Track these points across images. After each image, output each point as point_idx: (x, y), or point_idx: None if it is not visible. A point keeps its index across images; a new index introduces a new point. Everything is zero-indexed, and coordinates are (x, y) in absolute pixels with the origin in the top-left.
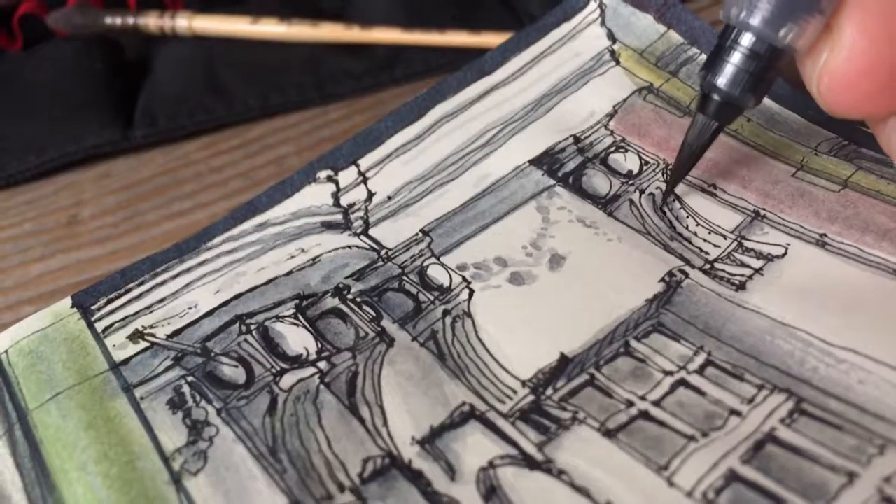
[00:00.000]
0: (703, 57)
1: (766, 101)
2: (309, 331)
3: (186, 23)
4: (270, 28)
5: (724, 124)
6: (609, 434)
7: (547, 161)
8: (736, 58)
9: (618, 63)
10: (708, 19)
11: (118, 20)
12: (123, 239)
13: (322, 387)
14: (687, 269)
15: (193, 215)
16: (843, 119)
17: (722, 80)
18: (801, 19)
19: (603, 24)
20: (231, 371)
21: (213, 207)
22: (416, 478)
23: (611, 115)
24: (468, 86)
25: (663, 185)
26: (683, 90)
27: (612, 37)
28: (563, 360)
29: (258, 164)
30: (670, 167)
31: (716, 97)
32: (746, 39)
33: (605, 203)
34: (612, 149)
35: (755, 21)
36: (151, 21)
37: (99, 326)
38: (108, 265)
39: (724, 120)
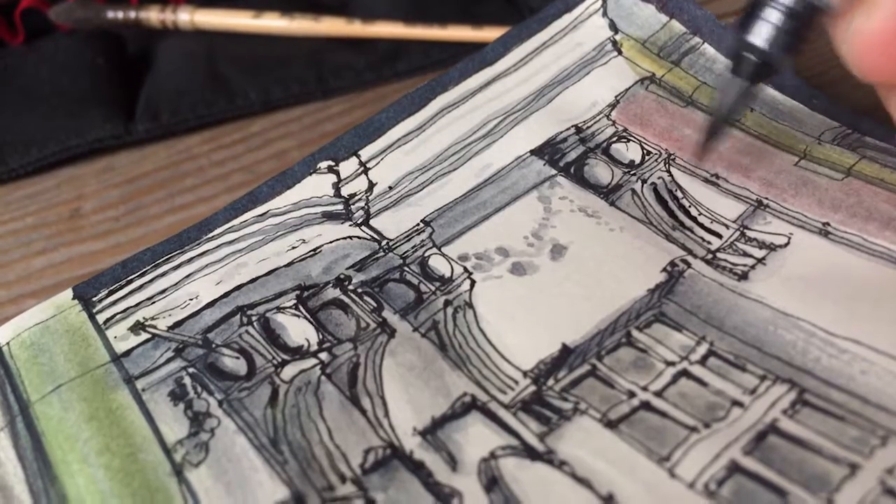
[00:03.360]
0: (706, 46)
1: (770, 90)
2: (310, 322)
3: (188, 17)
4: (272, 22)
5: (758, 83)
6: (611, 425)
7: (549, 151)
8: (772, 16)
9: (620, 53)
10: (710, 9)
11: (120, 14)
12: (125, 232)
13: (323, 378)
14: (689, 258)
15: (195, 209)
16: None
17: (758, 39)
18: None
19: (605, 14)
20: (232, 362)
21: (215, 201)
22: (418, 468)
23: (613, 106)
24: (470, 76)
25: (665, 176)
26: (686, 80)
27: (613, 27)
28: (565, 351)
29: (260, 158)
30: (672, 161)
31: (751, 57)
32: None
33: (607, 193)
34: (614, 139)
35: None
36: (153, 15)
37: (100, 318)
38: (110, 259)
39: (758, 81)
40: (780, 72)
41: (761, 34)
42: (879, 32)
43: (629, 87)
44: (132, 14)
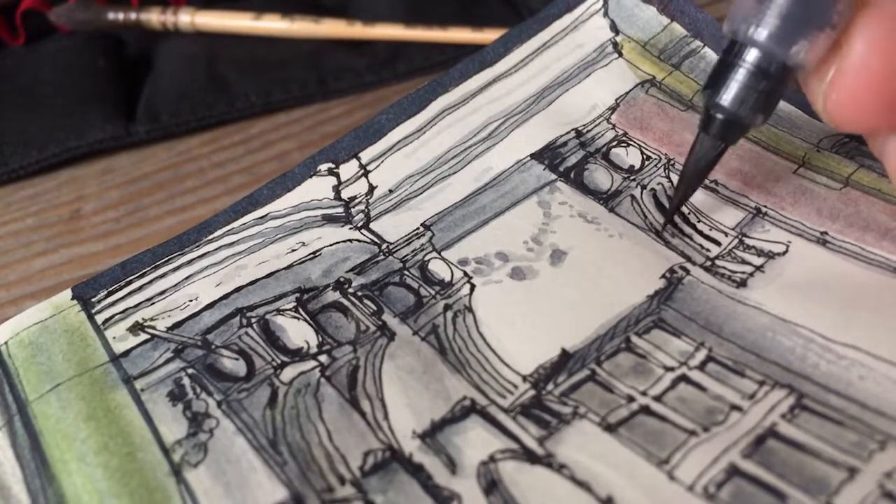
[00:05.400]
0: (707, 50)
1: None
2: (310, 324)
3: (189, 18)
4: (272, 24)
5: (729, 144)
6: (610, 428)
7: (548, 155)
8: (741, 75)
9: (620, 55)
10: (711, 12)
11: (120, 16)
12: (125, 234)
13: (323, 380)
14: (688, 265)
15: (195, 210)
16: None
17: (727, 99)
18: (812, 35)
19: (606, 15)
20: (231, 364)
21: (215, 203)
22: (417, 471)
23: (613, 109)
24: (469, 77)
25: (665, 181)
26: (686, 83)
27: (614, 28)
28: (564, 356)
29: (260, 160)
30: (672, 166)
31: (720, 116)
32: (753, 56)
33: (607, 198)
34: (614, 143)
35: (763, 37)
36: (154, 17)
37: (99, 318)
38: (110, 260)
39: (730, 140)
40: (750, 129)
41: (731, 93)
42: (853, 87)
43: (629, 91)
44: (133, 16)
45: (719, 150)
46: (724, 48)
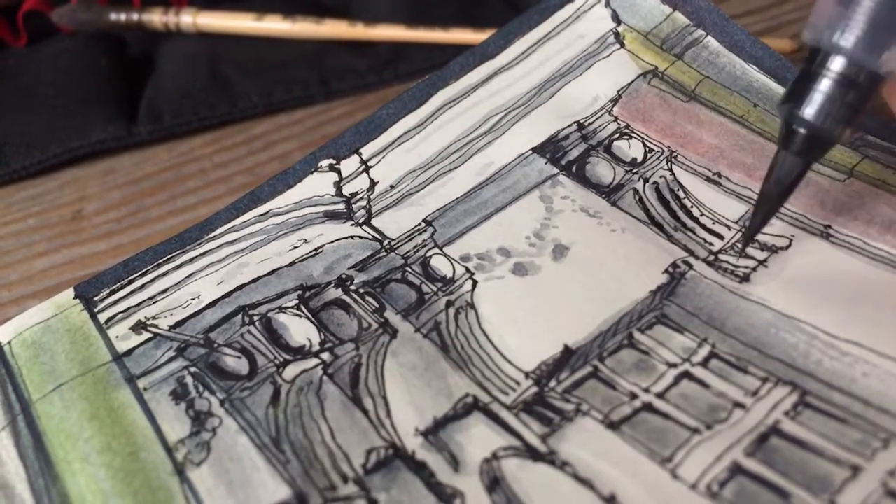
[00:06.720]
0: (709, 39)
1: (773, 84)
2: (312, 322)
3: (191, 19)
4: (274, 25)
5: (812, 161)
6: (613, 426)
7: (550, 149)
8: (825, 86)
9: (622, 45)
10: (714, 1)
11: (123, 16)
12: (127, 234)
13: (325, 378)
14: (691, 260)
15: (197, 211)
16: None
17: (810, 112)
18: None
19: (607, 5)
20: (234, 362)
21: (217, 203)
22: (420, 469)
23: (615, 101)
24: (470, 70)
25: (667, 174)
26: (689, 74)
27: (616, 18)
28: (567, 352)
29: (262, 161)
30: (675, 158)
31: (803, 131)
32: (838, 64)
33: (609, 192)
34: (616, 136)
35: (850, 43)
36: (156, 17)
37: (102, 317)
38: (112, 260)
39: (813, 156)
40: (836, 143)
41: (814, 106)
42: None
43: (632, 81)
44: (135, 16)
45: (801, 167)
46: (805, 58)
